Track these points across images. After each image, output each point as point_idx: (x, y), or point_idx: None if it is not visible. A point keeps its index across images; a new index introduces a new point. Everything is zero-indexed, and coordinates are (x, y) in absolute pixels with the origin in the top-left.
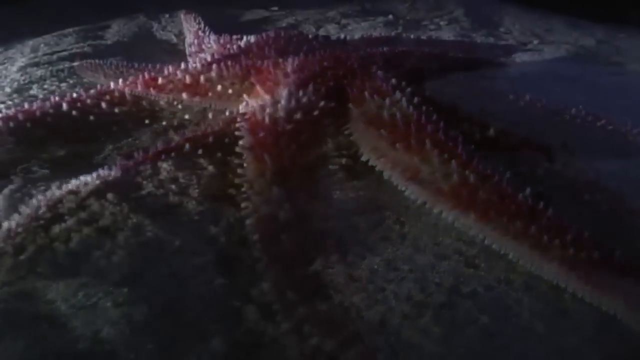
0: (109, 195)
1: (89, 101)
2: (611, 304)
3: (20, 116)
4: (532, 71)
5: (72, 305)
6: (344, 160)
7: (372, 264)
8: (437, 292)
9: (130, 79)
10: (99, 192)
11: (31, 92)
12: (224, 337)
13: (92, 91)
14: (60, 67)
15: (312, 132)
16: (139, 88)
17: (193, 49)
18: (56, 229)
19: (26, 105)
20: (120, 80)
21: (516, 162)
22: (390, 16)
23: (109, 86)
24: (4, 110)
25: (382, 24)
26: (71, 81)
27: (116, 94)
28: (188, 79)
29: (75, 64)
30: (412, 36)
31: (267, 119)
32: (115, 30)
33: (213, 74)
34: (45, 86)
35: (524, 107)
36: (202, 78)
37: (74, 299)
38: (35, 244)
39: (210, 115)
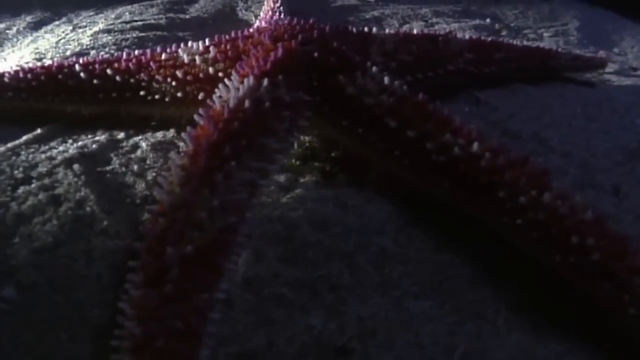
0: (75, 166)
1: (97, 66)
2: None
3: (38, 69)
4: (623, 99)
5: None
6: (322, 164)
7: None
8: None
9: (141, 51)
10: (70, 162)
11: (86, 57)
12: (100, 322)
13: (105, 56)
14: (127, 36)
15: (255, 124)
16: (143, 60)
17: None
18: (20, 189)
19: (49, 62)
20: (136, 51)
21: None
22: (488, 20)
23: (120, 55)
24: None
25: (474, 27)
26: (127, 51)
27: (122, 63)
28: (186, 58)
29: (142, 34)
30: (467, 37)
31: (218, 106)
32: (201, 6)
33: (208, 56)
34: (102, 53)
35: (586, 138)
36: (198, 59)
37: None
38: None
39: (200, 96)
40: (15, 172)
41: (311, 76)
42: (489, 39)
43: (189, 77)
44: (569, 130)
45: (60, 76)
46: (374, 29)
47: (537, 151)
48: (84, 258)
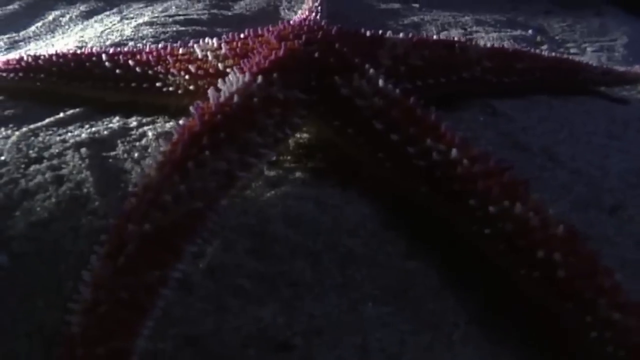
0: (83, 150)
1: (121, 56)
2: None
3: (70, 55)
4: None
5: None
6: (315, 163)
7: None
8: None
9: (164, 45)
10: (80, 145)
11: (124, 49)
12: (72, 294)
13: (130, 49)
14: (167, 29)
15: (240, 118)
16: (162, 54)
17: None
18: (32, 168)
19: (81, 49)
20: (160, 45)
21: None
22: (530, 31)
23: (143, 47)
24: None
25: (513, 38)
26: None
27: (143, 55)
28: (200, 54)
29: (182, 29)
30: (489, 45)
31: (211, 99)
32: (246, 3)
33: (220, 52)
34: (139, 45)
35: (602, 156)
36: (210, 55)
37: None
38: (9, 177)
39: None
40: (30, 151)
41: (310, 76)
42: (512, 48)
43: (200, 72)
44: (586, 147)
45: (87, 64)
46: (389, 33)
47: (544, 166)
48: (72, 234)
